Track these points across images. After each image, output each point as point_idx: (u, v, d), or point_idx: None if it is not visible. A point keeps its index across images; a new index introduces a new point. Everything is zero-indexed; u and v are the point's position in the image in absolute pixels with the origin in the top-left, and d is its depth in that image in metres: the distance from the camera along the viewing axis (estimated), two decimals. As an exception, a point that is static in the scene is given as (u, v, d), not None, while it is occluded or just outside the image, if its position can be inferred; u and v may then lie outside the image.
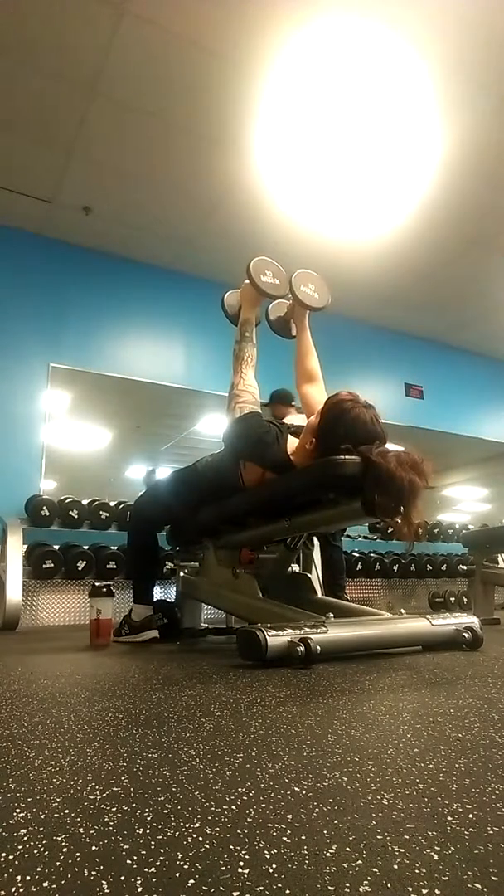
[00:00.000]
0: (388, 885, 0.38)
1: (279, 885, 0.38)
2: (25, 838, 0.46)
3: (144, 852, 0.43)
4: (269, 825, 0.48)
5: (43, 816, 0.50)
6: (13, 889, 0.38)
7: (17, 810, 0.52)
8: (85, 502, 3.68)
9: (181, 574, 2.34)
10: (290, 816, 0.49)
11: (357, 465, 1.48)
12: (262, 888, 0.38)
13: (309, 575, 2.15)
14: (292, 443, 1.84)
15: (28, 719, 0.88)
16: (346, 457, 1.50)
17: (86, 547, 3.49)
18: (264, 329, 2.45)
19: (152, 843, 0.45)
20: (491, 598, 3.16)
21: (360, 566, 4.22)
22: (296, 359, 2.34)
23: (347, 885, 0.38)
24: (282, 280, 2.17)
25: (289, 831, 0.46)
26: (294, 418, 2.78)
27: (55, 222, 4.15)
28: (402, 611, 1.76)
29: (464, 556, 4.36)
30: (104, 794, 0.55)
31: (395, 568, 4.41)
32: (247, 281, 2.15)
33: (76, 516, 3.61)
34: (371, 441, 1.56)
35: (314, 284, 2.30)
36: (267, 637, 1.33)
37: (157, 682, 1.21)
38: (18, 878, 0.40)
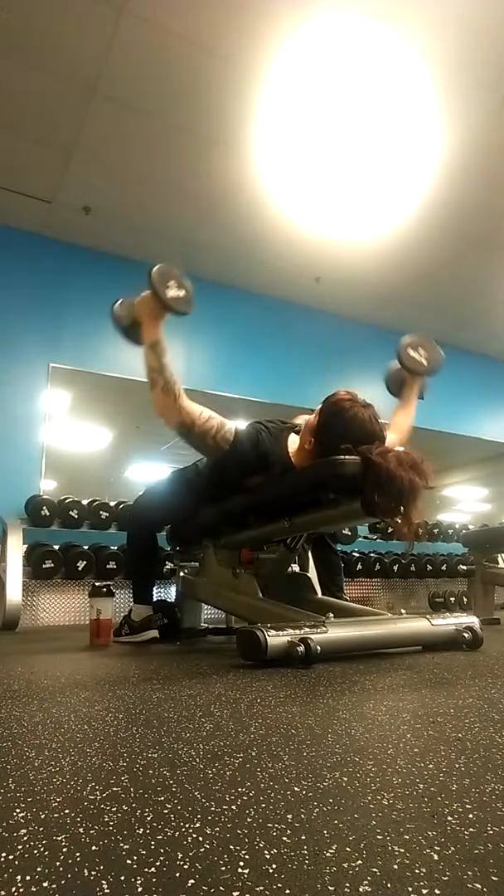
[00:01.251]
0: (388, 885, 0.38)
1: (279, 885, 0.38)
2: (25, 838, 0.46)
3: (144, 852, 0.43)
4: (269, 825, 0.48)
5: (43, 816, 0.50)
6: (13, 889, 0.38)
7: (17, 810, 0.52)
8: (85, 502, 3.68)
9: (181, 574, 2.34)
10: (290, 816, 0.49)
11: (357, 465, 1.48)
12: (262, 888, 0.38)
13: (308, 575, 2.15)
14: (293, 441, 1.84)
15: (28, 719, 0.88)
16: (346, 457, 1.50)
17: (86, 547, 3.49)
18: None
19: (152, 843, 0.45)
20: (491, 598, 3.16)
21: (360, 566, 4.21)
22: (395, 411, 2.29)
23: (347, 885, 0.38)
24: (187, 292, 1.86)
25: (289, 831, 0.46)
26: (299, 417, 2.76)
27: (55, 222, 4.15)
28: (402, 611, 1.76)
29: (464, 556, 4.36)
30: (104, 794, 0.55)
31: (395, 568, 4.41)
32: (147, 292, 1.83)
33: (76, 516, 3.61)
34: (370, 440, 1.56)
35: (424, 349, 2.25)
36: (267, 637, 1.33)
37: (157, 682, 1.21)
38: (18, 878, 0.40)
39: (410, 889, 0.37)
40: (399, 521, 1.52)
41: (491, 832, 0.45)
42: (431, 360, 2.27)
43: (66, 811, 0.51)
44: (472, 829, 0.46)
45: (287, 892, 0.37)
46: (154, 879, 0.39)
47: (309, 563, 2.23)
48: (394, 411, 2.29)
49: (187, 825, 0.48)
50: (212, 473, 2.06)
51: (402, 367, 2.27)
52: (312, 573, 2.22)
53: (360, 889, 0.37)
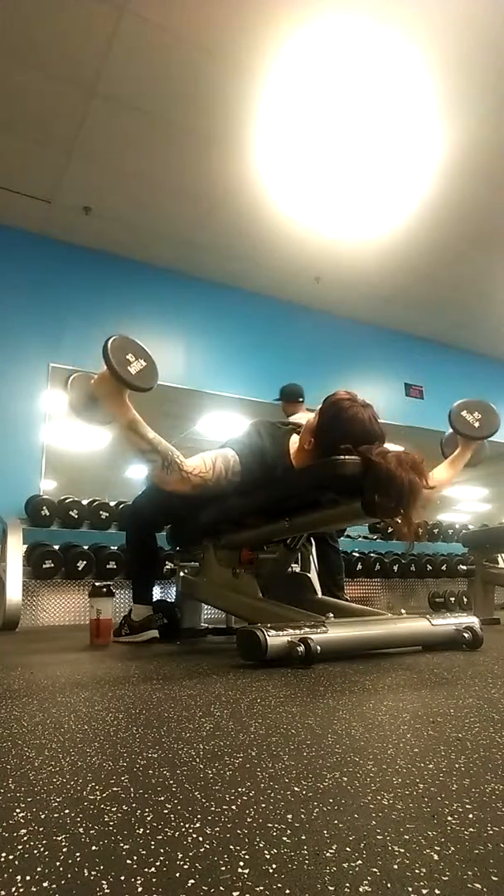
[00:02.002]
0: (388, 885, 0.38)
1: (279, 885, 0.38)
2: (25, 838, 0.46)
3: (144, 852, 0.43)
4: (269, 825, 0.48)
5: (43, 816, 0.50)
6: (13, 889, 0.38)
7: (17, 810, 0.52)
8: (85, 502, 3.68)
9: (181, 574, 2.34)
10: (290, 816, 0.49)
11: (357, 466, 1.48)
12: (262, 888, 0.38)
13: (309, 575, 2.15)
14: (294, 441, 1.84)
15: (28, 719, 0.88)
16: (346, 457, 1.50)
17: (86, 547, 3.49)
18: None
19: (152, 843, 0.45)
20: (491, 598, 3.16)
21: (360, 566, 4.22)
22: (440, 467, 2.17)
23: (347, 885, 0.38)
24: (148, 362, 1.66)
25: (289, 831, 0.46)
26: (302, 416, 2.74)
27: (55, 222, 4.15)
28: (402, 611, 1.76)
29: (464, 556, 4.36)
30: (104, 794, 0.55)
31: (395, 568, 4.41)
32: (104, 370, 1.62)
33: (76, 516, 3.61)
34: (369, 440, 1.56)
35: (478, 411, 2.11)
36: (267, 637, 1.33)
37: (157, 682, 1.21)
38: (18, 878, 0.40)
39: (410, 889, 0.37)
40: (399, 521, 1.52)
41: (491, 832, 0.45)
42: (485, 422, 2.13)
43: (66, 811, 0.51)
44: (472, 829, 0.46)
45: (287, 892, 0.37)
46: (154, 879, 0.39)
47: (311, 563, 2.22)
48: (439, 466, 2.16)
49: (187, 825, 0.48)
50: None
51: (454, 432, 2.15)
52: (313, 573, 2.22)
53: (360, 889, 0.37)
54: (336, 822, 0.48)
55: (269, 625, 1.38)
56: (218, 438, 2.24)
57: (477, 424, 2.09)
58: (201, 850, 0.43)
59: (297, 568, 2.19)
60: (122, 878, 0.39)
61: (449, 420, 2.10)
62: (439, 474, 2.11)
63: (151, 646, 2.07)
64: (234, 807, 0.52)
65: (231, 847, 0.44)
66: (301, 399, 3.70)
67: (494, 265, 4.72)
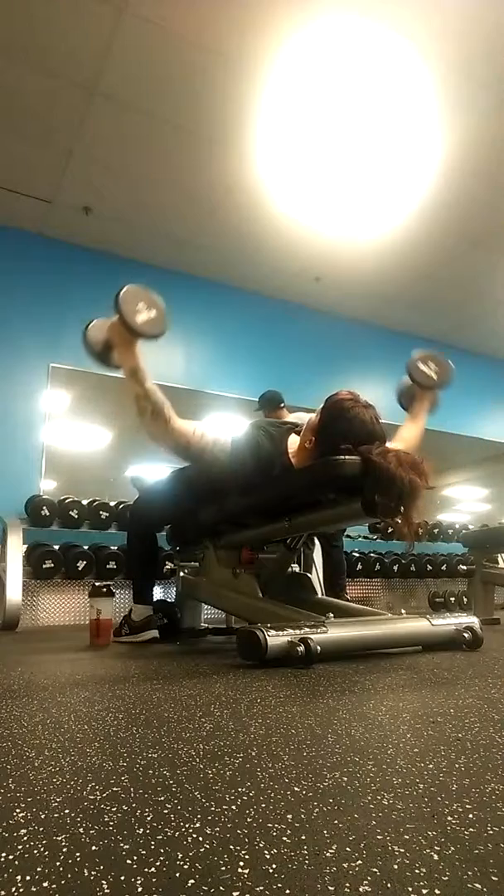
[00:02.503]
0: (388, 885, 0.38)
1: (279, 885, 0.38)
2: (25, 838, 0.46)
3: (144, 852, 0.43)
4: (269, 825, 0.48)
5: (43, 816, 0.50)
6: (13, 889, 0.38)
7: (17, 810, 0.52)
8: (85, 502, 3.68)
9: (181, 574, 2.34)
10: (290, 816, 0.49)
11: (357, 465, 1.48)
12: (262, 888, 0.38)
13: (309, 575, 2.15)
14: (293, 441, 1.84)
15: (28, 719, 0.88)
16: (346, 457, 1.50)
17: (86, 547, 3.49)
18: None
19: (152, 843, 0.45)
20: (491, 598, 3.16)
21: (360, 566, 4.22)
22: (404, 424, 2.24)
23: (347, 885, 0.38)
24: (159, 311, 1.75)
25: (289, 831, 0.46)
26: (302, 415, 2.74)
27: (55, 222, 4.15)
28: (402, 611, 1.76)
29: (464, 556, 4.36)
30: (104, 794, 0.55)
31: (395, 568, 4.41)
32: (116, 317, 1.74)
33: (76, 516, 3.61)
34: (370, 441, 1.56)
35: (434, 363, 2.22)
36: (267, 637, 1.33)
37: (157, 682, 1.21)
38: (18, 878, 0.40)
39: (410, 889, 0.37)
40: (399, 521, 1.52)
41: (491, 832, 0.45)
42: (442, 373, 2.24)
43: (66, 811, 0.51)
44: (472, 829, 0.46)
45: (287, 892, 0.37)
46: (154, 879, 0.39)
47: (313, 563, 2.22)
48: (403, 424, 2.25)
49: (187, 825, 0.48)
50: (213, 473, 2.06)
51: (412, 382, 2.25)
52: (318, 573, 2.22)
53: (360, 889, 0.37)
54: (336, 822, 0.48)
55: (269, 625, 1.38)
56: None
57: (435, 376, 2.20)
58: (201, 850, 0.43)
59: (297, 568, 2.19)
60: (122, 878, 0.39)
61: (408, 372, 2.18)
62: (408, 433, 2.17)
63: (151, 646, 2.07)
64: (234, 807, 0.52)
65: (231, 847, 0.44)
66: (282, 405, 3.67)
67: (494, 265, 4.72)
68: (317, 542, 2.36)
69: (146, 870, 0.40)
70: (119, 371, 1.81)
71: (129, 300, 1.70)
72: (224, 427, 1.81)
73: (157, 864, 0.41)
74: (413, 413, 2.25)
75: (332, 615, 1.52)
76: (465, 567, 3.33)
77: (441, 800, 0.52)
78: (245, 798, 0.54)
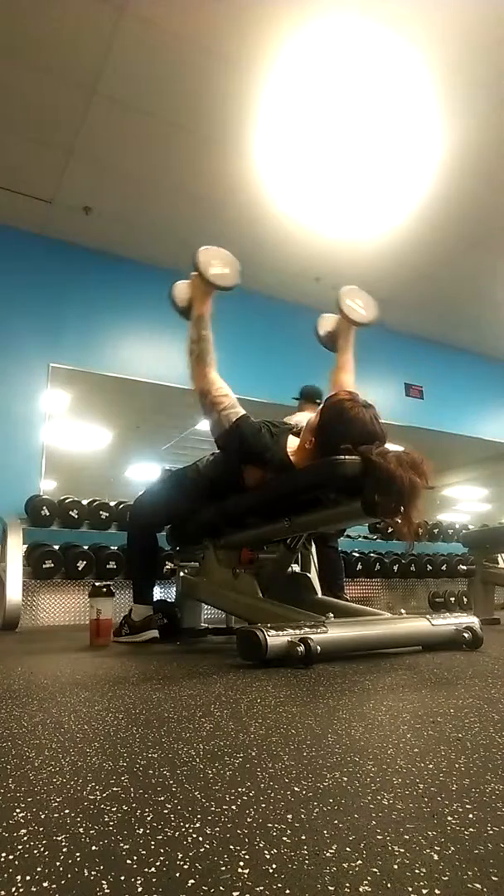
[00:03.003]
0: (388, 885, 0.38)
1: (279, 885, 0.38)
2: (25, 838, 0.46)
3: (144, 852, 0.43)
4: (269, 825, 0.48)
5: (43, 816, 0.50)
6: (13, 889, 0.38)
7: (17, 810, 0.52)
8: (85, 502, 3.68)
9: (181, 574, 2.34)
10: (290, 816, 0.49)
11: (357, 465, 1.48)
12: (262, 888, 0.38)
13: (309, 575, 2.15)
14: (293, 442, 1.84)
15: (28, 719, 0.88)
16: (346, 457, 1.50)
17: (86, 547, 3.49)
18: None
19: (152, 843, 0.45)
20: (491, 598, 3.16)
21: (360, 566, 4.21)
22: (333, 371, 2.33)
23: (347, 885, 0.38)
24: (232, 270, 2.05)
25: (289, 831, 0.46)
26: (302, 416, 2.76)
27: (55, 222, 4.15)
28: (402, 611, 1.76)
29: (464, 556, 4.36)
30: (104, 794, 0.55)
31: (395, 568, 4.41)
32: (195, 273, 2.05)
33: (76, 516, 3.61)
34: (370, 441, 1.56)
35: (361, 300, 2.28)
36: (267, 637, 1.33)
37: (157, 682, 1.21)
38: (18, 878, 0.40)
39: (410, 889, 0.37)
40: (399, 521, 1.52)
41: (491, 832, 0.45)
42: (369, 309, 2.32)
43: (66, 811, 0.51)
44: (472, 829, 0.46)
45: (287, 892, 0.37)
46: (154, 879, 0.39)
47: (311, 562, 2.23)
48: (335, 370, 2.32)
49: (187, 825, 0.48)
50: (212, 472, 2.06)
51: (340, 318, 2.31)
52: (313, 573, 2.22)
53: (360, 889, 0.37)
54: (336, 822, 0.48)
55: (269, 625, 1.38)
56: (218, 438, 2.24)
57: (363, 311, 2.28)
58: (201, 850, 0.43)
59: (297, 568, 2.19)
60: (122, 878, 0.39)
61: (339, 310, 2.23)
62: (349, 378, 2.27)
63: (151, 646, 2.07)
64: (234, 807, 0.52)
65: (231, 847, 0.44)
66: (318, 401, 3.69)
67: (494, 265, 4.72)
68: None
69: (146, 870, 0.40)
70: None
71: (206, 258, 2.02)
72: (240, 411, 1.92)
73: (157, 864, 0.41)
74: (343, 352, 2.34)
75: (331, 615, 1.52)
76: (465, 567, 3.34)
77: (441, 800, 0.52)
78: (245, 798, 0.54)
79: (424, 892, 0.37)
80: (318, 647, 1.31)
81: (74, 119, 3.26)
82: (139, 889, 0.38)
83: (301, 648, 1.30)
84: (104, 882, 0.39)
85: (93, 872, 0.40)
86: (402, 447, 1.59)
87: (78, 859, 0.42)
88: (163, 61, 2.91)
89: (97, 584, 2.18)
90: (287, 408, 4.03)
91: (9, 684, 1.21)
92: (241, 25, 2.72)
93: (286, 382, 4.83)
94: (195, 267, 2.00)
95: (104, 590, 2.15)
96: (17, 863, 0.42)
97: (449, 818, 0.48)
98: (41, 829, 0.48)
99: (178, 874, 0.40)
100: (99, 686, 1.17)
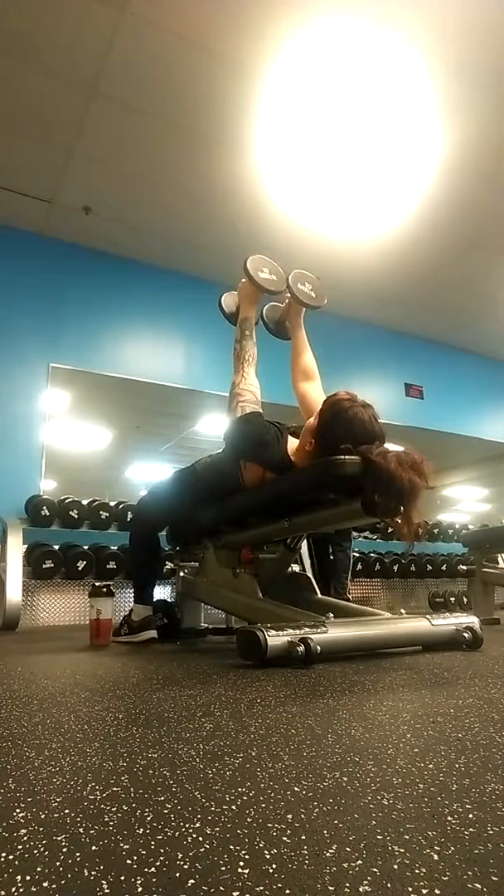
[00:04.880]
0: (388, 885, 0.38)
1: (279, 885, 0.38)
2: (25, 838, 0.46)
3: (144, 852, 0.43)
4: (269, 825, 0.48)
5: (43, 816, 0.50)
6: (13, 889, 0.38)
7: (17, 810, 0.52)
8: (85, 502, 3.68)
9: (181, 574, 2.34)
10: (290, 816, 0.49)
11: (357, 466, 1.48)
12: (262, 888, 0.38)
13: (309, 575, 2.15)
14: (292, 443, 1.85)
15: (28, 719, 0.88)
16: (346, 457, 1.50)
17: (86, 547, 3.49)
18: (263, 331, 2.49)
19: (152, 843, 0.45)
20: (491, 598, 3.16)
21: (360, 566, 4.21)
22: (291, 357, 2.38)
23: (347, 885, 0.38)
24: (278, 277, 2.19)
25: (289, 831, 0.46)
26: None
27: (55, 222, 4.14)
28: (402, 611, 1.76)
29: (464, 556, 4.35)
30: (104, 794, 0.55)
31: (395, 568, 4.41)
32: (244, 279, 2.18)
33: (76, 516, 3.61)
34: (370, 441, 1.56)
35: (311, 284, 2.33)
36: (267, 637, 1.33)
37: (157, 682, 1.21)
38: (18, 878, 0.40)
39: (410, 889, 0.37)
40: (399, 521, 1.52)
41: (491, 832, 0.45)
42: (318, 292, 2.34)
43: (66, 811, 0.51)
44: (472, 829, 0.46)
45: (287, 892, 0.37)
46: (154, 879, 0.39)
47: (311, 563, 2.23)
48: (294, 355, 2.36)
49: (187, 825, 0.48)
50: (212, 470, 2.07)
51: (292, 302, 2.36)
52: (315, 573, 2.22)
53: (360, 889, 0.37)
54: (336, 822, 0.48)
55: (269, 625, 1.38)
56: (218, 438, 2.25)
57: (313, 295, 2.32)
58: (201, 850, 0.43)
59: (297, 568, 2.19)
60: (122, 878, 0.39)
61: (290, 293, 2.27)
62: (310, 364, 2.31)
63: (151, 646, 2.07)
64: (234, 807, 0.52)
65: (231, 847, 0.44)
66: None
67: (494, 265, 4.72)
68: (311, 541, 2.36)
69: (146, 870, 0.40)
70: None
71: (255, 265, 2.14)
72: (256, 408, 1.96)
73: (157, 864, 0.41)
74: (298, 339, 2.40)
75: (331, 615, 1.52)
76: (465, 567, 3.33)
77: (441, 800, 0.52)
78: (245, 798, 0.54)
79: (424, 892, 0.37)
80: (318, 647, 1.32)
81: (74, 119, 3.25)
82: (139, 889, 0.38)
83: (301, 648, 1.30)
84: (104, 882, 0.39)
85: (93, 872, 0.40)
86: (402, 447, 1.59)
87: (78, 859, 0.42)
88: (163, 61, 2.91)
89: (97, 584, 2.18)
90: (286, 408, 4.01)
91: (9, 684, 1.21)
92: (241, 25, 2.72)
93: (286, 382, 4.83)
94: (245, 272, 2.13)
95: (104, 590, 2.15)
96: (17, 863, 0.42)
97: (449, 818, 0.48)
98: (41, 829, 0.48)
99: (178, 874, 0.40)
100: (99, 686, 1.17)
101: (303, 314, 2.40)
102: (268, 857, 0.42)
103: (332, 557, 2.69)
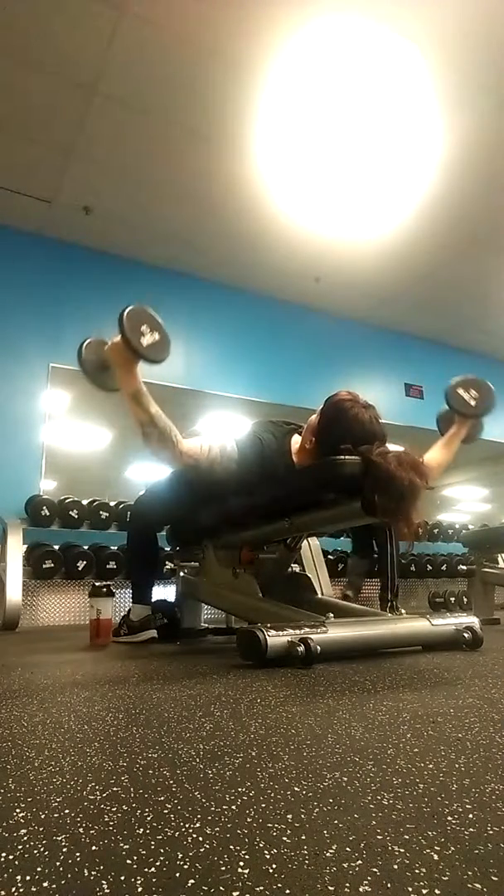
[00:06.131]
0: (388, 885, 0.37)
1: (279, 885, 0.38)
2: (25, 838, 0.46)
3: (144, 852, 0.43)
4: (269, 825, 0.48)
5: (43, 816, 0.50)
6: (13, 889, 0.38)
7: (17, 810, 0.52)
8: (85, 502, 3.68)
9: (181, 574, 2.34)
10: (290, 816, 0.49)
11: (357, 465, 1.48)
12: (262, 888, 0.38)
13: (309, 575, 2.15)
14: (296, 441, 1.84)
15: (28, 719, 0.88)
16: (346, 457, 1.50)
17: (86, 547, 3.49)
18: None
19: (152, 843, 0.45)
20: (491, 598, 3.16)
21: (359, 566, 4.20)
22: (435, 447, 2.19)
23: (347, 885, 0.38)
24: (161, 333, 1.68)
25: (289, 831, 0.46)
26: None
27: (55, 222, 4.15)
28: (402, 611, 1.76)
29: (464, 556, 4.35)
30: (104, 794, 0.55)
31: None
32: (116, 337, 1.67)
33: (76, 516, 3.61)
34: (370, 441, 1.56)
35: (474, 389, 2.13)
36: (267, 637, 1.33)
37: (157, 682, 1.21)
38: (18, 878, 0.40)
39: (410, 889, 0.37)
40: (399, 521, 1.52)
41: (491, 832, 0.45)
42: (482, 400, 2.15)
43: (66, 811, 0.51)
44: (472, 829, 0.46)
45: (287, 892, 0.37)
46: (154, 879, 0.39)
47: (314, 562, 2.22)
48: (435, 447, 2.20)
49: (187, 825, 0.48)
50: (217, 475, 2.06)
51: (449, 408, 2.18)
52: (322, 572, 2.21)
53: (360, 889, 0.37)
54: (336, 822, 0.48)
55: (269, 625, 1.38)
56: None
57: (473, 402, 2.11)
58: (201, 850, 0.43)
59: (297, 568, 2.19)
60: (122, 878, 0.39)
61: (445, 397, 2.12)
62: (434, 455, 2.12)
63: (151, 646, 2.07)
64: (234, 807, 0.52)
65: (231, 847, 0.44)
66: None
67: (494, 265, 4.72)
68: (316, 541, 2.35)
69: (146, 870, 0.40)
70: (115, 391, 1.76)
71: (134, 321, 1.63)
72: (224, 430, 1.79)
73: (157, 864, 0.41)
74: (446, 438, 2.17)
75: (331, 615, 1.52)
76: (465, 567, 3.33)
77: (441, 800, 0.52)
78: (245, 798, 0.54)
79: (424, 892, 0.37)
80: (318, 647, 1.31)
81: (74, 119, 3.26)
82: (139, 889, 0.38)
83: (301, 648, 1.30)
84: (104, 882, 0.39)
85: (93, 872, 0.40)
86: (402, 447, 1.59)
87: (78, 859, 0.42)
88: (163, 61, 2.91)
89: (97, 584, 2.18)
90: (287, 408, 4.03)
91: (9, 684, 1.21)
92: (241, 25, 2.72)
93: (286, 382, 4.83)
94: (122, 333, 1.62)
95: (104, 590, 2.15)
96: (17, 863, 0.42)
97: (449, 818, 0.48)
98: (41, 829, 0.48)
99: (178, 874, 0.40)
100: (99, 686, 1.17)
101: (468, 425, 2.15)
102: (268, 857, 0.42)
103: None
